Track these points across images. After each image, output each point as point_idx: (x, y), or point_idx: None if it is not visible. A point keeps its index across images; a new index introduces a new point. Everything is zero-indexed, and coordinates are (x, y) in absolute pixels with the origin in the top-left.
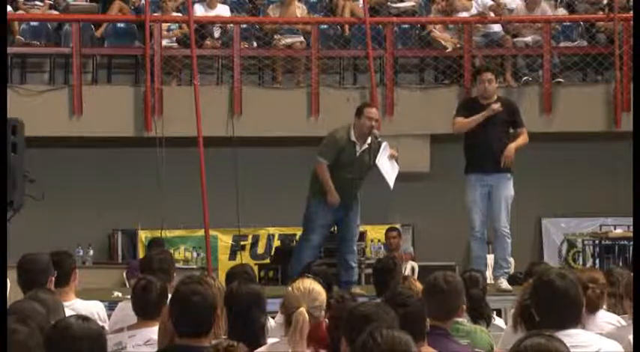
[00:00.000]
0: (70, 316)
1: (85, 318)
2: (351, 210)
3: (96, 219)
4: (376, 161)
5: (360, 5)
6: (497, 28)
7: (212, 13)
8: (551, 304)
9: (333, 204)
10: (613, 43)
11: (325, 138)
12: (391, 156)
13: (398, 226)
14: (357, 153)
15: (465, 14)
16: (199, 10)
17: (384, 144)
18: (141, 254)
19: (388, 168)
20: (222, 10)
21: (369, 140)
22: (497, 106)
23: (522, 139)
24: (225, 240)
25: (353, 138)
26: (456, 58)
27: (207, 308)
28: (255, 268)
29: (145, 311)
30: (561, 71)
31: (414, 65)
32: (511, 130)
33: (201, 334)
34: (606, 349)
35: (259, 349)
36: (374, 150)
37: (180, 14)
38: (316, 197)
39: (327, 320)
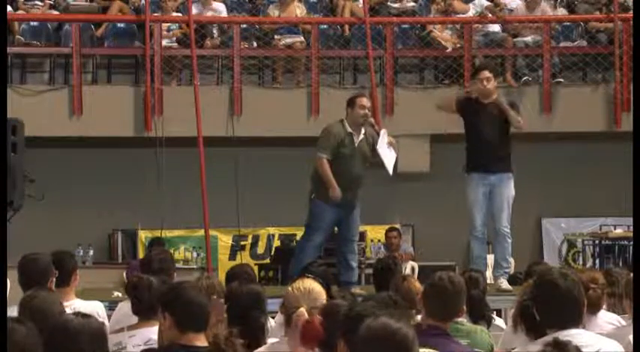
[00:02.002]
0: (70, 313)
1: (84, 315)
2: (353, 210)
3: (96, 219)
4: (377, 147)
5: (360, 5)
6: (497, 28)
7: (208, 13)
8: (553, 304)
9: (335, 198)
10: (613, 43)
11: (321, 134)
12: (389, 144)
13: (398, 226)
14: (356, 144)
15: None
16: (195, 10)
17: (382, 132)
18: (141, 254)
19: (387, 154)
20: (219, 7)
21: (363, 130)
22: (475, 87)
23: (518, 115)
24: (225, 240)
25: (349, 129)
26: (456, 58)
27: (204, 304)
28: (255, 268)
29: (139, 310)
30: (561, 71)
31: (414, 65)
32: (512, 130)
33: (202, 328)
34: (607, 349)
35: (259, 349)
36: (370, 138)
37: (180, 14)
38: (319, 197)
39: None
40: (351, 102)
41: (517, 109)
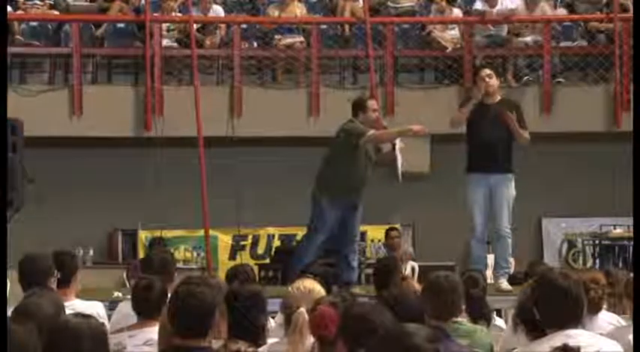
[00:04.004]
0: (69, 314)
1: (84, 315)
2: (355, 210)
3: (96, 219)
4: (395, 152)
5: (360, 5)
6: (504, 29)
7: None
8: (553, 304)
9: (420, 130)
10: (613, 43)
11: (347, 127)
12: (400, 149)
13: (398, 226)
14: (366, 145)
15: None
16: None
17: (398, 139)
18: (141, 254)
19: (398, 159)
20: (217, 12)
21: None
22: (481, 92)
23: (523, 131)
24: (225, 240)
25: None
26: (456, 58)
27: (205, 309)
28: (255, 268)
29: (145, 311)
30: (561, 71)
31: (414, 65)
32: None
33: (200, 335)
34: (606, 349)
35: (259, 349)
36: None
37: (179, 14)
38: (324, 196)
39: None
40: (361, 106)
41: (521, 115)
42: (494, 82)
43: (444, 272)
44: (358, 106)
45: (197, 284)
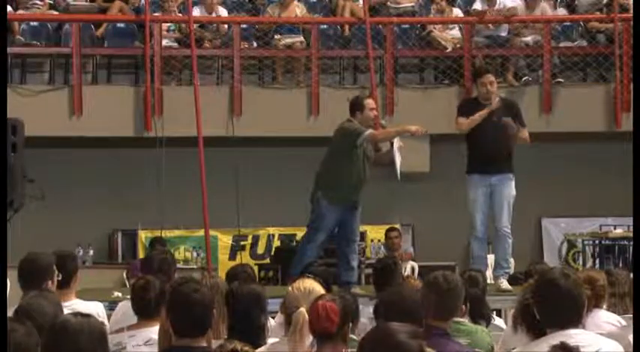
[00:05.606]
0: (69, 313)
1: (84, 315)
2: (355, 211)
3: (96, 219)
4: (393, 151)
5: (360, 5)
6: (504, 31)
7: None
8: (553, 303)
9: (418, 130)
10: (613, 43)
11: (346, 126)
12: (399, 148)
13: (398, 226)
14: (365, 145)
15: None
16: (197, 14)
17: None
18: (141, 254)
19: (397, 158)
20: (222, 13)
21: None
22: (495, 102)
23: (523, 135)
24: (225, 240)
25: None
26: (456, 58)
27: (201, 309)
28: (255, 268)
29: (144, 311)
30: (561, 71)
31: (414, 65)
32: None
33: (197, 334)
34: (606, 349)
35: (259, 349)
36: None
37: (180, 14)
38: (324, 197)
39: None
40: (359, 105)
41: (520, 114)
42: (495, 88)
43: (442, 271)
44: (356, 105)
45: (192, 284)
